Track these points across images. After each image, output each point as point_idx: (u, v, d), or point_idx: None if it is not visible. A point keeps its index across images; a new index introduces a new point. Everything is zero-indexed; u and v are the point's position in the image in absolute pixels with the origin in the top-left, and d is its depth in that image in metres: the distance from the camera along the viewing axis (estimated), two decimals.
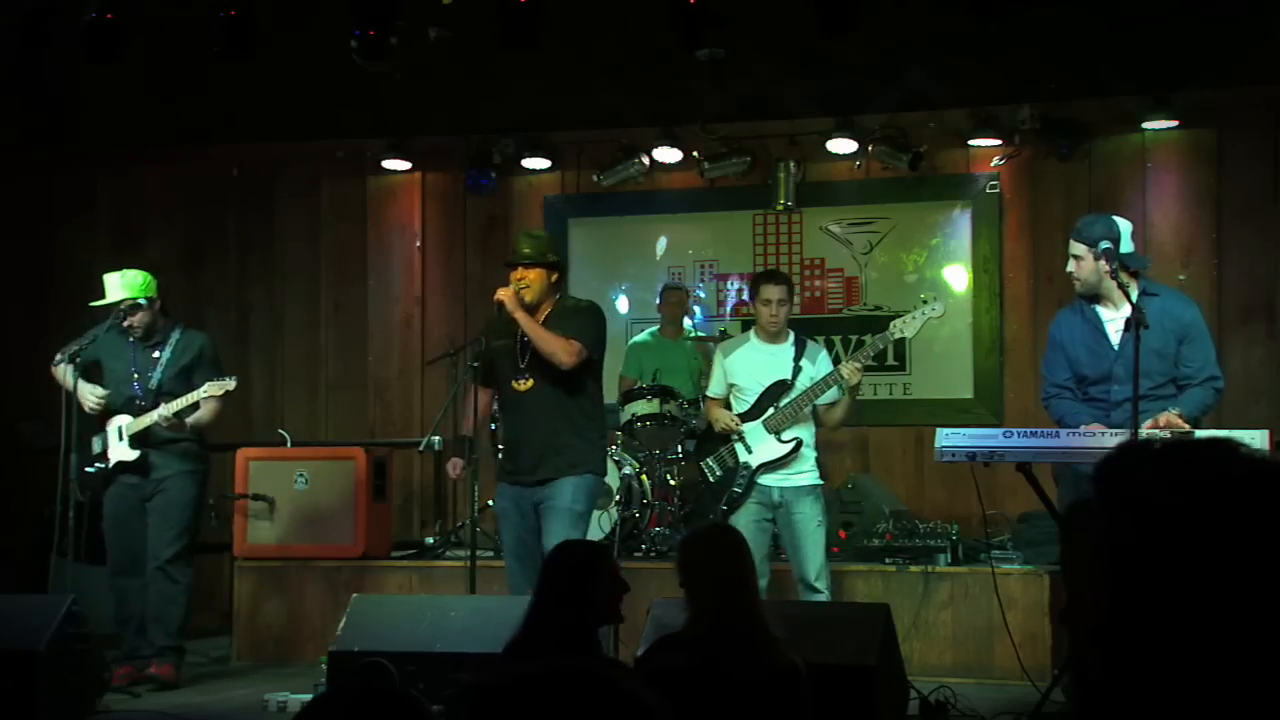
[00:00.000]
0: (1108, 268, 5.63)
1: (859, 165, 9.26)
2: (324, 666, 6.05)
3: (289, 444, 8.58)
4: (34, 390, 8.70)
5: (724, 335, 8.57)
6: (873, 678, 5.02)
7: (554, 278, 6.51)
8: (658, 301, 9.09)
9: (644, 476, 8.12)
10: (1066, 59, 8.01)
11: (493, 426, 7.26)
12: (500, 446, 6.85)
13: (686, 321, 9.25)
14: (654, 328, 9.05)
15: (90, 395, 7.01)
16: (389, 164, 9.81)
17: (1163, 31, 7.43)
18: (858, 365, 6.47)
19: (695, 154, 9.40)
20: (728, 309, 9.55)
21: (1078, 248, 5.75)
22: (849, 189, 9.41)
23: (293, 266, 10.13)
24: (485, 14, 6.75)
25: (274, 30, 6.96)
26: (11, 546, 8.51)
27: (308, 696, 6.12)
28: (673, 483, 8.13)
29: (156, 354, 7.12)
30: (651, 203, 9.73)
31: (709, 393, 6.92)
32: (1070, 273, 5.82)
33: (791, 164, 9.24)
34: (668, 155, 9.37)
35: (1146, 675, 1.41)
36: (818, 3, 6.57)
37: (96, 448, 7.09)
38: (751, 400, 6.66)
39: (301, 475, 8.12)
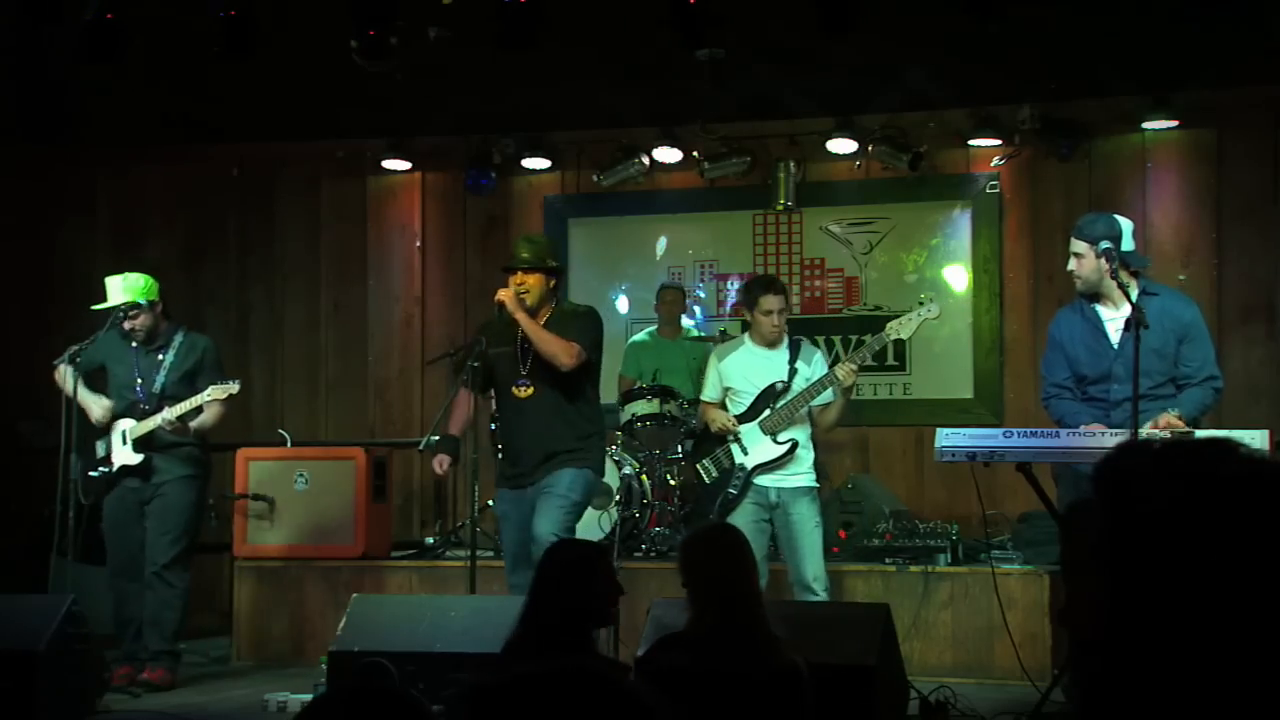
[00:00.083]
0: (1108, 267, 5.63)
1: (859, 165, 9.26)
2: (324, 666, 6.04)
3: (289, 444, 8.58)
4: (34, 390, 8.70)
5: (724, 335, 8.57)
6: (873, 678, 5.02)
7: (553, 283, 6.52)
8: (655, 302, 9.08)
9: (644, 476, 8.12)
10: (1066, 59, 8.01)
11: (492, 426, 7.26)
12: (500, 449, 6.85)
13: (685, 321, 9.25)
14: (652, 328, 9.05)
15: (96, 406, 7.01)
16: (389, 164, 9.81)
17: (1163, 31, 7.43)
18: (853, 367, 6.47)
19: (695, 154, 9.40)
20: (728, 309, 9.55)
21: (1079, 245, 5.75)
22: (849, 189, 9.41)
23: (293, 266, 10.13)
24: (485, 14, 6.75)
25: (274, 30, 6.96)
26: (11, 546, 8.51)
27: (308, 696, 6.13)
28: (673, 483, 8.13)
29: (160, 357, 7.11)
30: (651, 203, 9.73)
31: (704, 397, 6.91)
32: (1071, 271, 5.82)
33: (791, 164, 9.24)
34: (668, 155, 9.37)
35: (1146, 675, 1.42)
36: (818, 3, 6.57)
37: (100, 451, 7.10)
38: (747, 403, 6.66)
39: (301, 475, 8.12)
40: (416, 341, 9.94)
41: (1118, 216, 5.87)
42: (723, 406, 6.75)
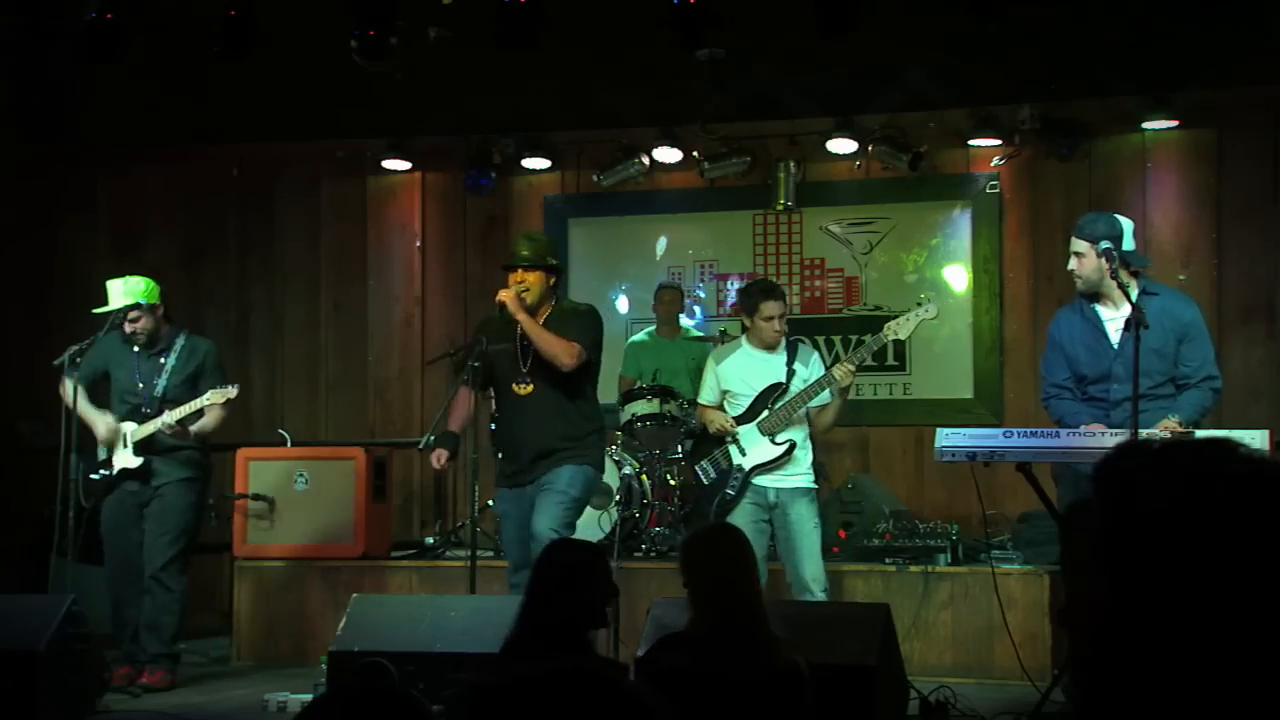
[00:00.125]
0: (1108, 267, 5.64)
1: (859, 165, 9.26)
2: (324, 666, 6.04)
3: (289, 444, 8.58)
4: (34, 390, 8.71)
5: (724, 335, 8.57)
6: (873, 678, 5.02)
7: (553, 281, 6.52)
8: (653, 302, 9.08)
9: (644, 476, 8.12)
10: (1066, 59, 8.01)
11: (492, 426, 7.25)
12: (499, 448, 6.85)
13: (685, 320, 9.25)
14: (651, 328, 9.05)
15: (101, 424, 7.01)
16: (389, 164, 9.81)
17: (1163, 31, 7.43)
18: (851, 367, 6.47)
19: (695, 154, 9.40)
20: (728, 309, 9.54)
21: (1080, 245, 5.75)
22: (849, 189, 9.41)
23: (293, 266, 10.13)
24: (485, 14, 6.75)
25: (274, 30, 6.96)
26: (11, 546, 8.51)
27: (308, 696, 6.13)
28: (673, 483, 8.13)
29: (162, 360, 7.11)
30: (651, 203, 9.73)
31: (701, 400, 6.90)
32: (1072, 270, 5.82)
33: (791, 164, 9.24)
34: (668, 155, 9.37)
35: (1146, 675, 1.42)
36: (818, 3, 6.57)
37: (102, 454, 7.10)
38: (746, 405, 6.66)
39: (301, 475, 8.12)
40: (416, 341, 9.94)
41: (1118, 216, 5.88)
42: (720, 409, 6.75)
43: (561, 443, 6.35)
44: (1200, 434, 5.26)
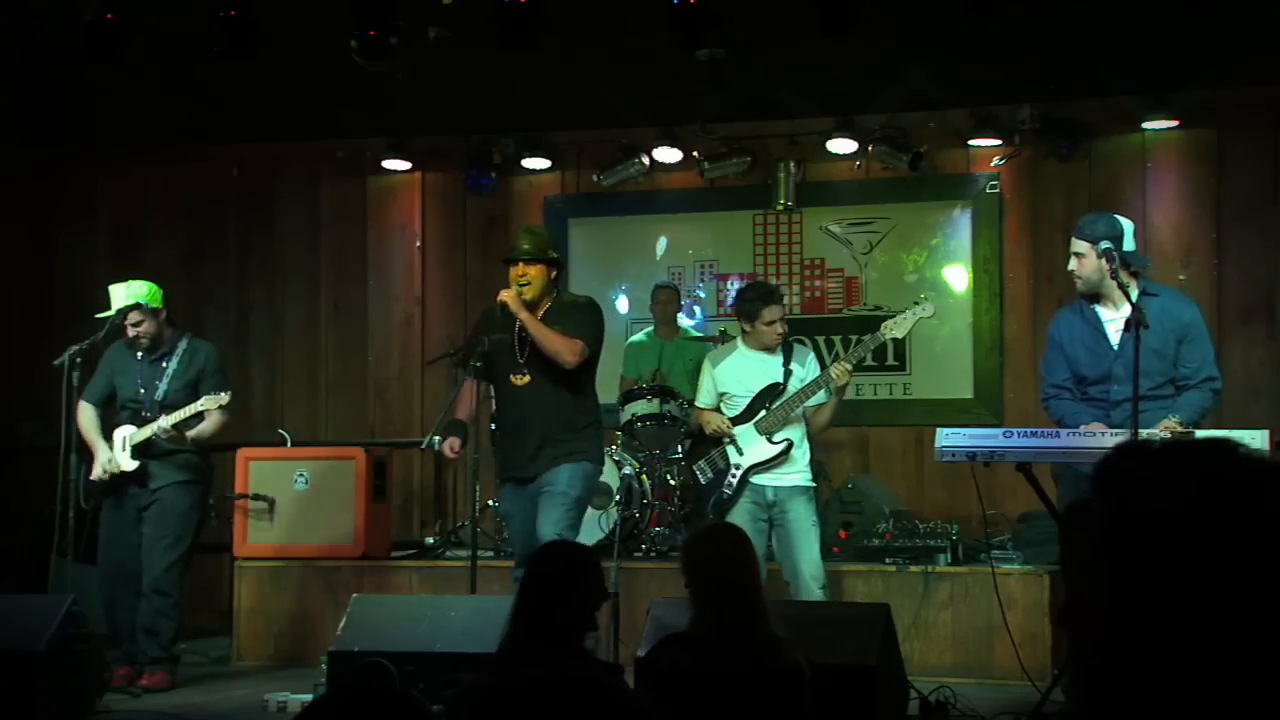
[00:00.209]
0: (1108, 267, 5.64)
1: (859, 165, 9.26)
2: (324, 666, 6.04)
3: (289, 444, 8.58)
4: (34, 390, 8.72)
5: (724, 335, 8.57)
6: (873, 678, 5.02)
7: (553, 274, 6.52)
8: (650, 302, 9.08)
9: (644, 476, 8.12)
10: (1066, 59, 8.01)
11: (492, 426, 7.26)
12: (498, 442, 6.85)
13: (684, 321, 9.25)
14: (649, 328, 9.05)
15: (102, 456, 7.00)
16: (389, 164, 9.81)
17: (1163, 31, 7.43)
18: (847, 367, 6.48)
19: (695, 154, 9.40)
20: (728, 308, 9.54)
21: (1080, 245, 5.76)
22: (849, 189, 9.41)
23: (293, 266, 10.13)
24: (485, 14, 6.75)
25: (274, 30, 6.96)
26: (11, 546, 8.51)
27: (308, 696, 6.13)
28: (673, 483, 8.13)
29: (164, 365, 7.11)
30: (651, 203, 9.73)
31: (698, 403, 6.90)
32: (1072, 270, 5.83)
33: (791, 164, 9.24)
34: (668, 155, 9.37)
35: (1146, 675, 1.42)
36: (818, 3, 6.57)
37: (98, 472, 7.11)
38: (743, 406, 6.67)
39: (301, 475, 8.12)
40: (416, 341, 9.94)
41: (1118, 217, 5.88)
42: (717, 411, 6.75)
43: (559, 433, 6.33)
44: (1200, 434, 5.26)
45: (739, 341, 6.84)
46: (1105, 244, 5.65)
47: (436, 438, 6.60)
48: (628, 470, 8.08)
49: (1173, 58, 7.88)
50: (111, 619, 7.09)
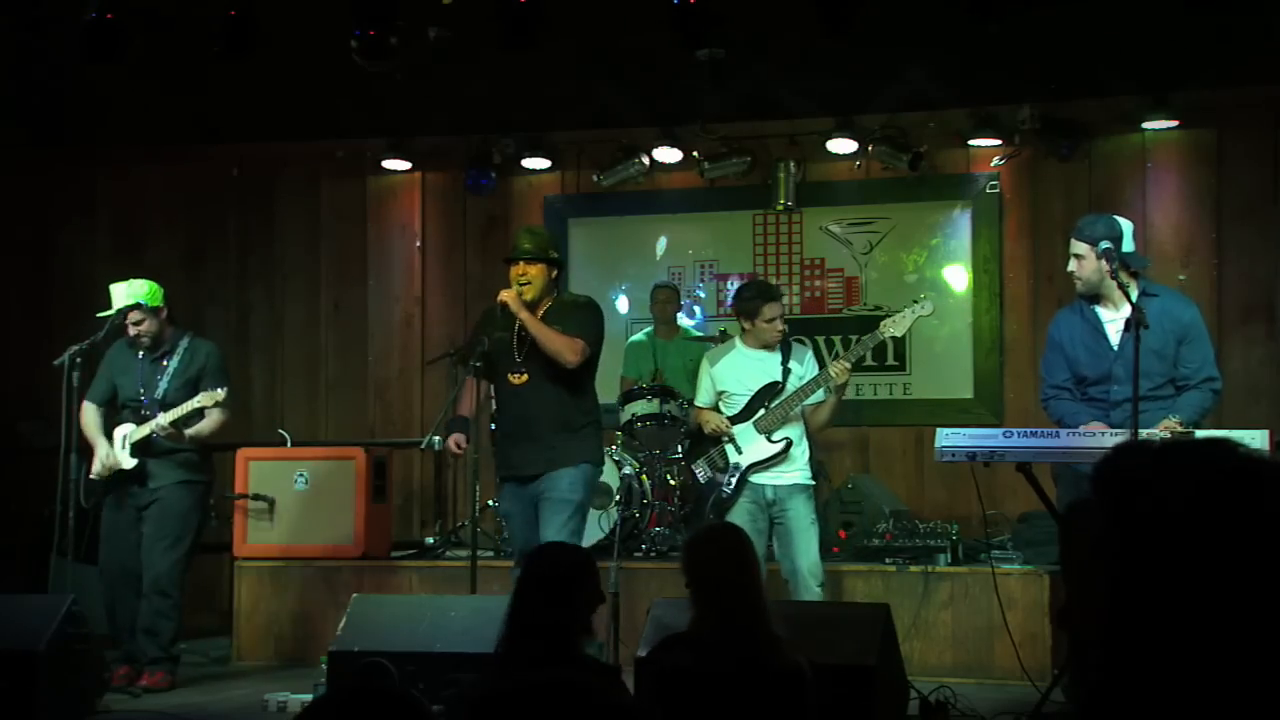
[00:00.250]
0: (1108, 268, 5.64)
1: (859, 165, 9.26)
2: (324, 666, 6.04)
3: (289, 444, 8.58)
4: (34, 390, 8.72)
5: (724, 335, 8.57)
6: (873, 678, 5.02)
7: (554, 274, 6.52)
8: (650, 302, 9.08)
9: (644, 476, 8.12)
10: (1066, 59, 8.01)
11: (493, 426, 7.26)
12: (498, 441, 6.85)
13: (684, 320, 9.25)
14: (649, 328, 9.06)
15: (102, 452, 7.00)
16: (389, 164, 9.81)
17: (1163, 31, 7.43)
18: (846, 365, 6.48)
19: (695, 154, 9.40)
20: (728, 308, 9.54)
21: (1079, 246, 5.76)
22: (849, 189, 9.41)
23: (293, 266, 10.13)
24: (485, 14, 6.75)
25: (274, 30, 6.96)
26: (11, 546, 8.51)
27: (308, 696, 6.13)
28: (673, 483, 8.13)
29: (165, 363, 7.11)
30: (651, 203, 9.73)
31: (697, 402, 6.90)
32: (1071, 272, 5.83)
33: (791, 164, 9.24)
34: (668, 155, 9.37)
35: (1146, 674, 1.42)
36: (818, 3, 6.57)
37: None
38: (742, 405, 6.67)
39: (301, 475, 8.12)
40: (416, 341, 9.94)
41: (1118, 218, 5.88)
42: (716, 410, 6.75)
43: (556, 433, 6.32)
44: (1200, 434, 5.26)
45: (737, 340, 6.84)
46: (1105, 244, 5.65)
47: (437, 438, 6.60)
48: (628, 470, 8.08)
49: (1173, 58, 7.88)
50: (112, 618, 7.09)
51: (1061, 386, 5.88)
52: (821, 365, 6.76)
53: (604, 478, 7.17)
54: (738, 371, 6.71)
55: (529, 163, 9.67)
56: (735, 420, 6.65)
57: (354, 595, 6.43)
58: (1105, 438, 5.32)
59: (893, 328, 6.55)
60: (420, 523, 9.61)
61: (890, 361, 9.22)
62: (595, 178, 9.54)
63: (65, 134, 9.56)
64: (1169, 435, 5.26)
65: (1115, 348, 5.75)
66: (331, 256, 10.10)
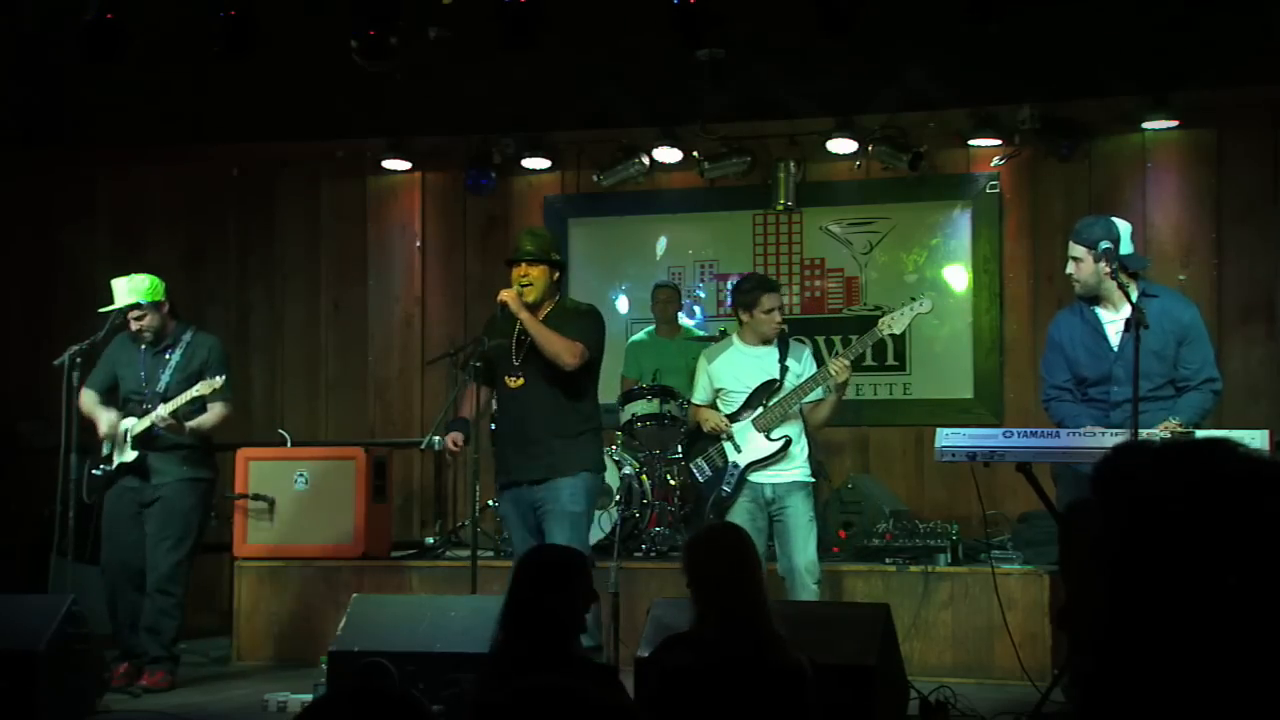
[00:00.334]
0: (1108, 269, 5.64)
1: (859, 165, 9.26)
2: (324, 666, 6.04)
3: (289, 444, 8.58)
4: (34, 390, 8.72)
5: (724, 334, 8.57)
6: (873, 678, 5.02)
7: (556, 276, 6.51)
8: (651, 302, 9.08)
9: (644, 476, 8.12)
10: (1066, 59, 8.01)
11: (493, 427, 7.26)
12: (496, 446, 6.85)
13: (685, 320, 9.25)
14: (650, 327, 9.06)
15: (104, 420, 7.01)
16: (389, 164, 9.81)
17: (1163, 31, 7.43)
18: (846, 362, 6.47)
19: (695, 154, 9.40)
20: (728, 308, 9.54)
21: (1077, 250, 5.76)
22: (849, 189, 9.41)
23: (293, 266, 10.13)
24: (485, 14, 6.74)
25: (274, 30, 6.96)
26: (11, 546, 8.52)
27: (308, 696, 6.13)
28: (673, 483, 8.13)
29: (167, 356, 7.12)
30: (651, 203, 9.73)
31: (694, 400, 6.90)
32: (1070, 274, 5.83)
33: (791, 164, 9.25)
34: (668, 155, 9.37)
35: (1145, 674, 1.42)
36: (818, 3, 6.57)
37: (106, 449, 7.11)
38: (740, 402, 6.66)
39: (301, 475, 8.12)
40: (416, 341, 9.94)
41: (1115, 219, 5.87)
42: (714, 408, 6.75)
43: (553, 438, 6.30)
44: (1200, 434, 5.26)
45: (734, 338, 6.84)
46: (1105, 244, 5.65)
47: (437, 438, 6.59)
48: (628, 470, 8.08)
49: (1173, 58, 7.88)
50: (112, 613, 7.09)
51: (1062, 387, 5.88)
52: (820, 364, 6.76)
53: (604, 477, 7.16)
54: (735, 369, 6.71)
55: (529, 163, 9.67)
56: (733, 419, 6.65)
57: (354, 595, 6.43)
58: (1105, 438, 5.31)
59: (892, 325, 6.55)
60: (420, 523, 9.61)
61: (890, 361, 9.22)
62: (595, 178, 9.54)
63: (65, 134, 9.56)
64: (1169, 436, 5.26)
65: (1115, 349, 5.75)
66: (331, 256, 10.10)
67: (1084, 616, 1.52)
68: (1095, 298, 5.82)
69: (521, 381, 6.38)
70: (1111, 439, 5.27)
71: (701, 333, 9.19)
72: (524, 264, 6.39)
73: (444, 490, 9.30)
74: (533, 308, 6.33)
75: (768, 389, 6.62)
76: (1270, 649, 1.38)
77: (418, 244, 10.02)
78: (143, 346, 7.13)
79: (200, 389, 6.89)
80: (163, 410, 6.89)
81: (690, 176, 9.52)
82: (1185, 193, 8.91)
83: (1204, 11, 6.79)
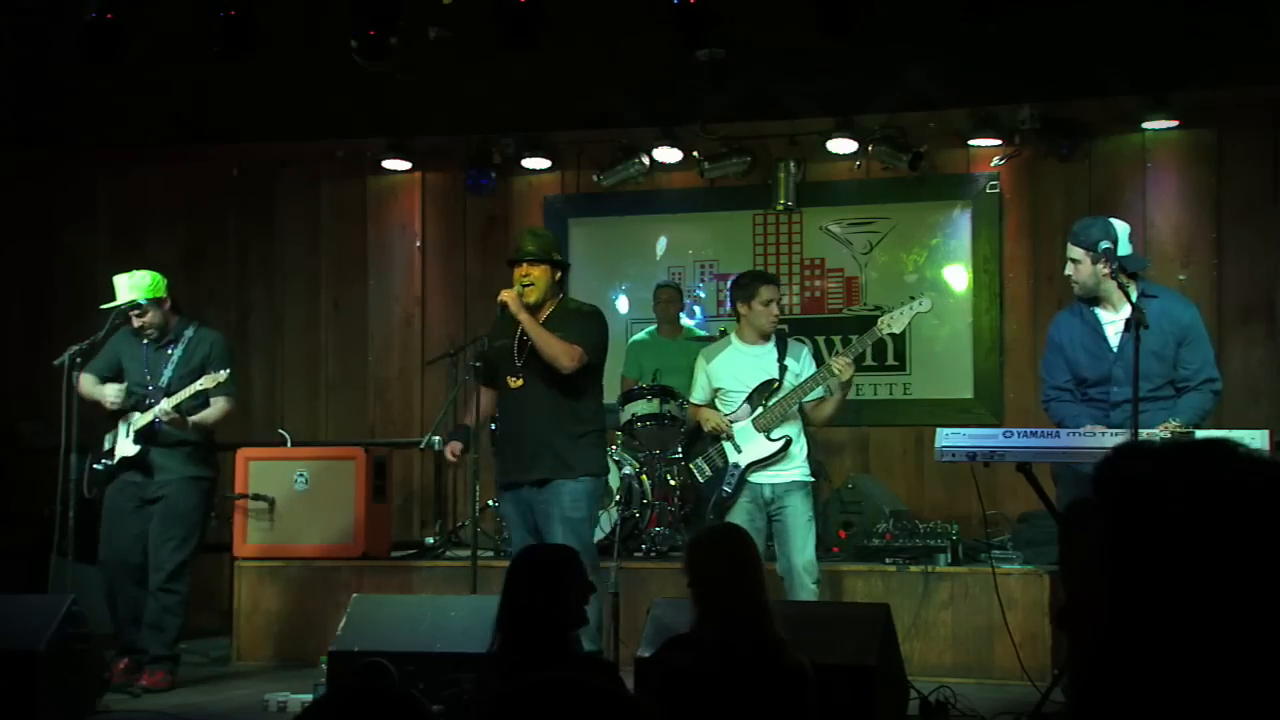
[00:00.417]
0: (1107, 269, 5.64)
1: (859, 165, 9.26)
2: (324, 666, 6.04)
3: (289, 444, 8.58)
4: (34, 390, 8.72)
5: (724, 334, 8.57)
6: (873, 678, 5.02)
7: (558, 276, 6.50)
8: (652, 302, 9.08)
9: (644, 476, 8.12)
10: (1066, 59, 8.01)
11: (493, 427, 7.27)
12: (497, 447, 6.85)
13: (686, 320, 9.25)
14: (652, 327, 9.06)
15: (112, 392, 7.02)
16: (389, 164, 9.81)
17: (1163, 31, 7.43)
18: (848, 360, 6.46)
19: (695, 154, 9.40)
20: (728, 309, 9.54)
21: (1075, 251, 5.76)
22: (849, 189, 9.41)
23: (293, 266, 10.13)
24: (485, 14, 6.74)
25: (274, 30, 6.96)
26: (11, 546, 8.51)
27: (308, 696, 6.14)
28: (673, 483, 8.13)
29: (169, 352, 7.14)
30: (651, 203, 9.73)
31: (692, 399, 6.89)
32: (1069, 276, 5.83)
33: (791, 164, 9.25)
34: (668, 155, 9.37)
35: (1145, 676, 1.41)
36: (818, 3, 6.57)
37: (107, 444, 7.12)
38: (738, 402, 6.66)
39: (301, 475, 8.12)
40: (416, 341, 9.94)
41: (1114, 220, 5.87)
42: (712, 407, 6.74)
43: (553, 441, 6.28)
44: (1200, 434, 5.26)
45: (733, 337, 6.83)
46: (1105, 244, 5.65)
47: (436, 438, 6.60)
48: (628, 470, 8.08)
49: (1173, 58, 7.88)
50: (112, 608, 7.10)
51: (1062, 388, 5.88)
52: (819, 363, 6.75)
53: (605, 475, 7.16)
54: (734, 368, 6.70)
55: (529, 163, 9.67)
56: (731, 418, 6.64)
57: (354, 595, 6.43)
58: (1105, 438, 5.32)
59: (891, 324, 6.54)
60: (420, 523, 9.61)
61: (890, 361, 9.22)
62: (595, 178, 9.54)
63: (65, 134, 9.56)
64: (1169, 436, 5.26)
65: (1115, 349, 5.75)
66: (331, 256, 10.10)
67: (1084, 616, 1.51)
68: (1095, 299, 5.82)
69: (522, 382, 6.38)
70: (1111, 439, 5.27)
71: (703, 333, 9.19)
72: (526, 264, 6.39)
73: (444, 490, 9.30)
74: (534, 308, 6.32)
75: (766, 388, 6.62)
76: (1270, 649, 1.38)
77: (418, 244, 10.03)
78: (145, 341, 7.14)
79: (204, 383, 6.89)
80: (166, 404, 6.90)
81: (690, 176, 9.52)
82: (1185, 193, 8.91)
83: (1204, 11, 6.79)
